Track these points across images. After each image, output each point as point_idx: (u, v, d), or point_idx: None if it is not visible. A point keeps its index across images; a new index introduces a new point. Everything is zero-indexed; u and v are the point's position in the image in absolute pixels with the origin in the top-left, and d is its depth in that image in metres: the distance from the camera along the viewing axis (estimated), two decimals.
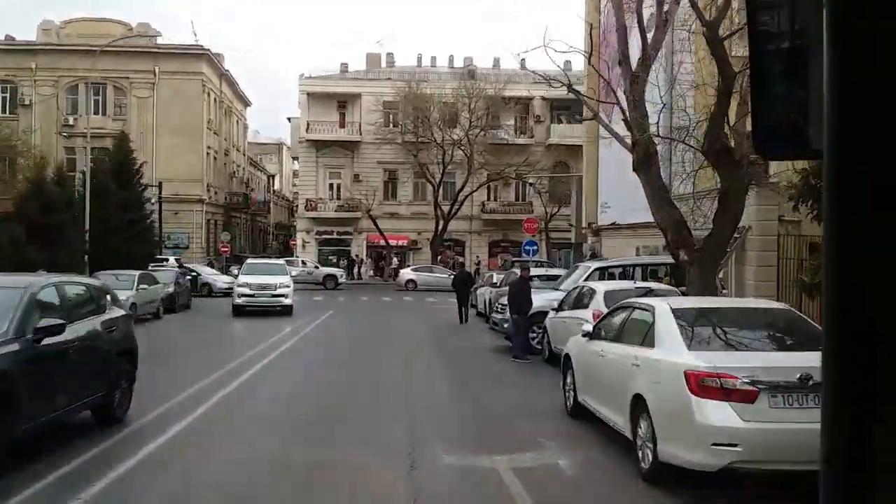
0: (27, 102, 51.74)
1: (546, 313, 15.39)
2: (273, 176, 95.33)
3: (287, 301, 25.62)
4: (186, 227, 53.32)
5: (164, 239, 52.81)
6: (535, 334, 16.30)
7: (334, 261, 52.83)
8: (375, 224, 50.76)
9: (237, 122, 68.17)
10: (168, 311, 24.96)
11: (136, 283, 21.53)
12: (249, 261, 32.84)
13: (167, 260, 41.29)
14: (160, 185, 49.47)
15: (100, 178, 30.47)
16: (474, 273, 48.56)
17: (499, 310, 19.15)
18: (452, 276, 28.69)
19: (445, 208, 50.27)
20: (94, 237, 27.67)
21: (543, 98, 54.44)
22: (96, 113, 53.15)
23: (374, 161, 54.23)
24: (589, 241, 31.26)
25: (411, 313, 28.20)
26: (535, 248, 32.61)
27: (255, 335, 19.72)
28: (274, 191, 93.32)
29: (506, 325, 17.71)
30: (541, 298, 16.41)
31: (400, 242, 53.88)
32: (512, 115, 53.06)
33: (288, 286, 25.92)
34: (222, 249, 53.82)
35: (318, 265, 45.25)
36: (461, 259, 54.03)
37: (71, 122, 52.17)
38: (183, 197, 52.69)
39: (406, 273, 44.92)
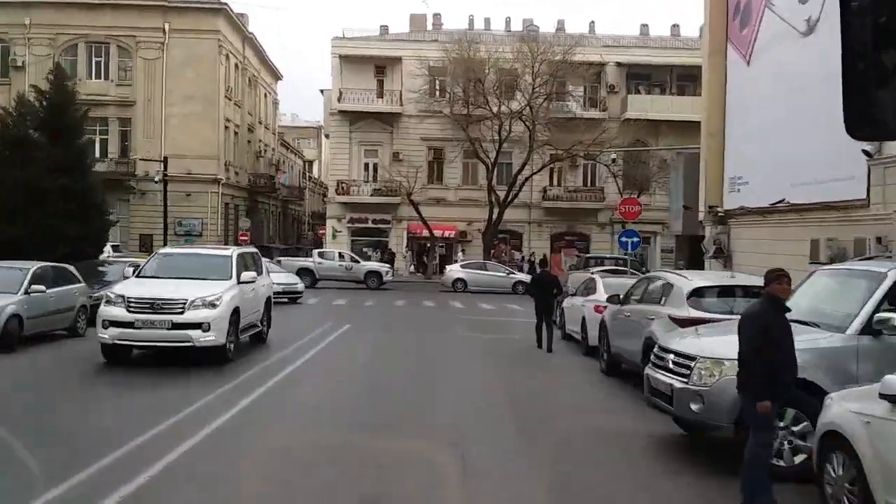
0: (20, 64, 44.27)
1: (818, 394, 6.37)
2: (311, 162, 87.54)
3: (208, 337, 12.17)
4: (200, 211, 45.47)
5: (175, 224, 45.32)
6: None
7: (369, 254, 44.54)
8: (417, 211, 42.28)
9: (265, 96, 60.22)
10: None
11: (23, 284, 13.18)
12: (163, 250, 16.81)
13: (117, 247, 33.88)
14: (165, 161, 41.63)
15: (19, 126, 21.82)
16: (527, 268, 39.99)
17: (668, 365, 7.87)
18: (531, 279, 19.78)
19: (500, 194, 41.60)
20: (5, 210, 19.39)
21: (619, 64, 45.49)
22: (97, 77, 45.78)
23: (416, 137, 45.71)
24: (708, 231, 22.30)
25: (462, 330, 19.54)
26: (637, 240, 23.71)
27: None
28: (311, 177, 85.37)
29: (693, 407, 7.25)
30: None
31: (446, 233, 45.34)
32: (581, 83, 44.05)
33: (215, 303, 12.39)
34: (241, 238, 45.83)
35: (357, 259, 36.85)
36: (519, 254, 45.39)
37: (69, 87, 44.53)
38: (196, 176, 44.92)
39: (454, 270, 36.38)
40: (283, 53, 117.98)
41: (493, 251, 42.50)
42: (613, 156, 38.91)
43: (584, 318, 15.92)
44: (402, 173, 42.04)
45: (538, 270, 26.30)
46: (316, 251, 35.93)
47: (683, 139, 41.27)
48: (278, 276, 23.68)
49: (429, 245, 44.22)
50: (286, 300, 24.85)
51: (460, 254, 45.55)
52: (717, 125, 22.57)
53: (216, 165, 45.69)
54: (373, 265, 36.78)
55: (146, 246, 44.22)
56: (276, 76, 63.94)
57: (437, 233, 44.33)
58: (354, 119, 45.76)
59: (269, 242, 58.96)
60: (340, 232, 45.79)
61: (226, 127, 47.65)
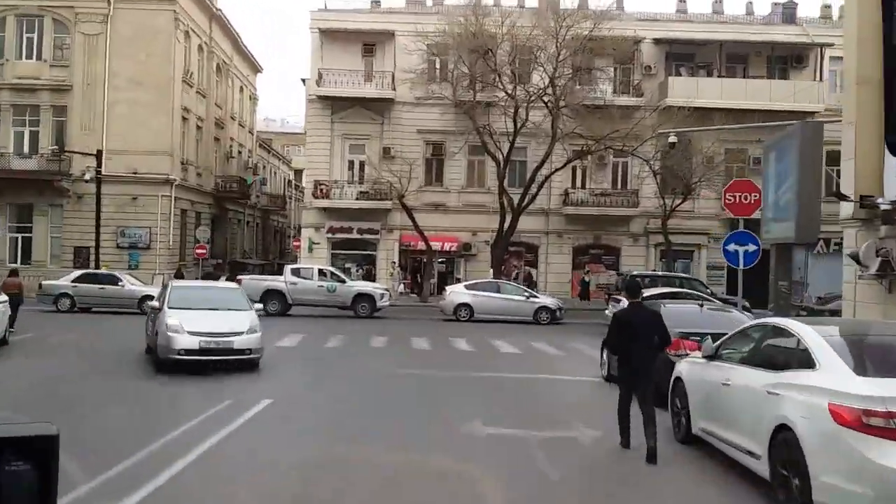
0: None
1: None
2: (301, 171, 79.03)
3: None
4: (149, 218, 37.15)
5: (117, 234, 36.99)
6: None
7: (354, 270, 36.16)
8: (412, 217, 33.99)
9: (241, 89, 52.05)
10: None
11: None
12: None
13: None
14: (99, 155, 33.61)
15: None
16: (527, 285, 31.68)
17: None
18: (614, 318, 9.70)
19: (513, 198, 33.27)
20: None
21: (656, 41, 37.31)
22: (29, 57, 37.57)
23: (411, 129, 37.45)
24: (856, 237, 13.96)
25: (475, 416, 10.02)
26: (756, 248, 15.10)
27: None
28: (298, 186, 76.91)
29: None
30: None
31: (447, 245, 37.01)
32: (611, 64, 35.80)
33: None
34: (197, 251, 37.61)
35: (342, 277, 28.33)
36: (516, 270, 37.07)
37: None
38: (144, 177, 36.70)
39: (457, 292, 27.50)
40: (273, 52, 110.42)
41: (503, 267, 34.14)
42: (672, 139, 29.75)
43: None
44: (394, 173, 33.71)
45: (618, 300, 17.82)
46: (288, 267, 27.23)
47: (739, 131, 33.03)
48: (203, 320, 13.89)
49: (425, 260, 35.85)
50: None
51: (462, 271, 37.20)
52: (873, 69, 14.19)
53: (169, 163, 37.36)
54: (364, 286, 27.97)
55: (82, 261, 35.94)
56: (255, 68, 55.82)
57: (436, 245, 36.03)
58: (337, 107, 37.45)
59: (244, 257, 50.69)
60: (318, 244, 37.40)
61: (184, 118, 39.40)
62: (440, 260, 37.57)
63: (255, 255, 54.25)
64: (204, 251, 37.43)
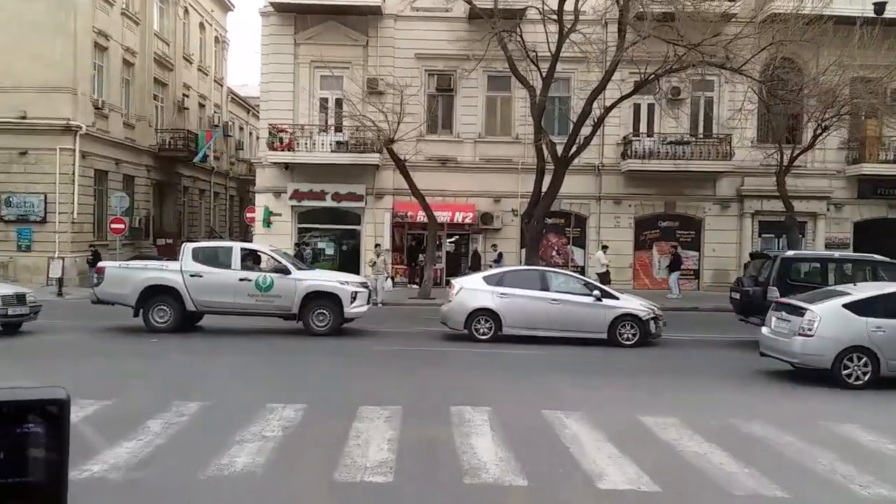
0: None
1: None
2: None
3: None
4: (44, 180, 26.09)
5: (1, 202, 26.09)
6: None
7: (324, 250, 25.07)
8: (405, 172, 22.78)
9: (202, 26, 40.64)
10: None
11: None
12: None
13: None
14: None
15: None
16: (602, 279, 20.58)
17: None
18: None
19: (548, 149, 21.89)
20: None
21: None
22: None
23: (408, 53, 26.07)
24: None
25: None
26: None
27: None
28: None
29: None
30: None
31: (459, 216, 25.77)
32: None
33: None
34: (113, 225, 26.45)
35: (285, 265, 15.36)
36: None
37: None
38: (35, 123, 25.65)
39: (471, 289, 14.90)
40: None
41: (537, 248, 22.74)
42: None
43: None
44: (384, 114, 22.38)
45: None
46: (189, 246, 15.51)
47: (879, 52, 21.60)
48: None
49: (427, 238, 24.61)
50: None
51: (481, 252, 25.99)
52: None
53: (71, 104, 26.21)
54: (322, 279, 15.46)
55: None
56: (225, 5, 44.42)
57: (443, 216, 24.86)
58: (304, 21, 26.07)
59: (211, 235, 39.69)
60: (279, 215, 26.20)
61: (99, 46, 28.19)
62: (449, 239, 26.36)
63: (230, 235, 43.22)
64: (121, 226, 26.31)
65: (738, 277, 17.66)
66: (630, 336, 14.26)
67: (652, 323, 14.37)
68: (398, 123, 22.11)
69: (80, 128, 26.28)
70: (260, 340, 14.60)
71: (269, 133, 25.39)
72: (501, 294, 14.49)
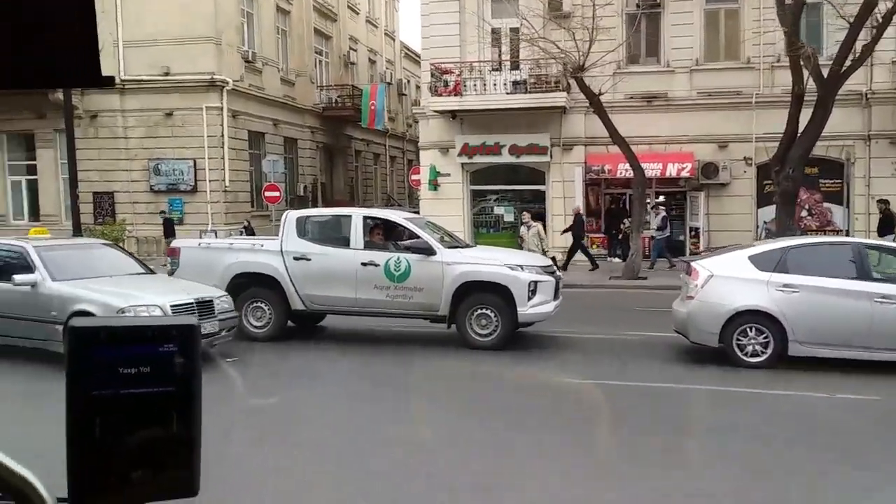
0: None
1: None
2: None
3: None
4: (191, 145, 22.76)
5: (150, 170, 23.18)
6: None
7: (502, 216, 19.77)
8: (602, 113, 16.76)
9: None
10: None
11: None
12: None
13: None
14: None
15: None
16: None
17: None
18: None
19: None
20: None
21: None
22: None
23: None
24: None
25: None
26: None
27: None
28: None
29: None
30: None
31: (672, 169, 19.38)
32: None
33: None
34: (267, 192, 22.68)
35: (427, 243, 9.85)
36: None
37: None
38: (179, 79, 22.34)
39: (733, 274, 8.56)
40: None
41: (792, 210, 15.91)
42: None
43: None
44: (572, 32, 16.55)
45: None
46: (292, 215, 9.93)
47: None
48: None
49: (630, 198, 18.48)
50: None
51: (700, 216, 19.58)
52: None
53: (214, 56, 22.56)
54: (492, 264, 9.61)
55: (104, 213, 22.73)
56: None
57: (652, 168, 18.63)
58: None
59: (388, 204, 35.62)
60: (447, 175, 21.11)
61: None
62: (658, 198, 20.07)
63: (409, 202, 39.13)
64: (276, 194, 22.44)
65: None
66: None
67: None
68: (590, 43, 16.15)
69: (227, 83, 22.59)
70: (382, 356, 9.54)
71: (432, 75, 20.27)
72: (784, 286, 8.31)
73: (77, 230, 18.16)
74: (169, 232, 20.69)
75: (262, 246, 10.26)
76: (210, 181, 22.78)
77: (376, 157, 37.05)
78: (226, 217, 23.09)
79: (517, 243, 16.96)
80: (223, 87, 22.56)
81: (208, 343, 8.45)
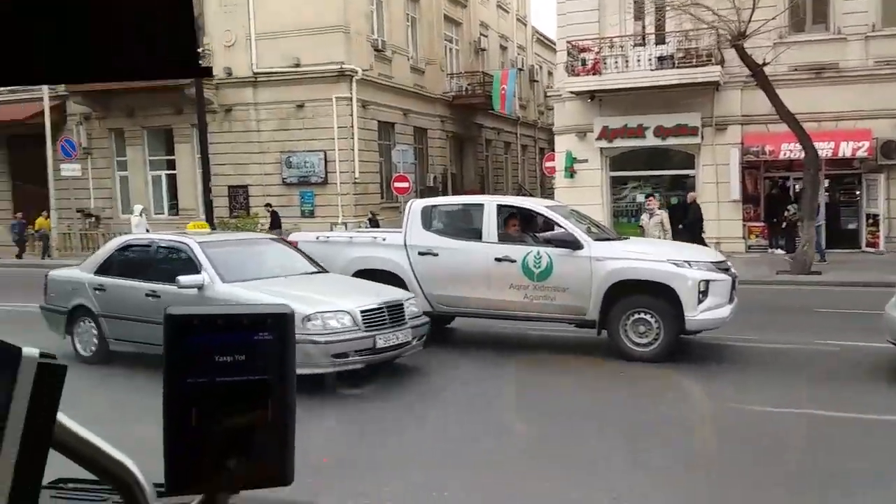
0: None
1: None
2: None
3: None
4: (322, 136, 22.31)
5: (283, 162, 22.95)
6: None
7: (643, 205, 17.90)
8: (767, 86, 14.61)
9: None
10: None
11: None
12: None
13: None
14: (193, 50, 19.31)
15: None
16: None
17: None
18: None
19: None
20: None
21: None
22: None
23: None
24: None
25: None
26: None
27: None
28: None
29: None
30: None
31: (846, 148, 16.92)
32: None
33: None
34: (395, 186, 21.90)
35: (597, 227, 9.27)
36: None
37: None
38: (309, 70, 21.89)
39: None
40: None
41: None
42: None
43: None
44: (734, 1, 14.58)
45: None
46: (417, 205, 9.08)
47: None
48: None
49: (801, 181, 16.20)
50: None
51: (881, 200, 17.02)
52: None
53: (343, 45, 21.93)
54: (651, 260, 8.09)
55: (240, 206, 22.75)
56: None
57: (823, 147, 16.25)
58: None
59: (519, 191, 34.46)
60: (584, 161, 19.49)
61: None
62: (828, 177, 17.58)
63: (541, 192, 37.61)
64: (406, 185, 21.61)
65: None
66: None
67: None
68: (753, 9, 14.09)
69: (356, 72, 21.94)
70: (519, 369, 8.20)
71: (568, 54, 18.72)
72: None
73: (211, 224, 17.98)
74: (275, 223, 20.27)
75: (384, 240, 9.18)
76: (340, 173, 22.26)
77: (507, 146, 35.75)
78: (355, 209, 22.50)
79: (637, 233, 15.11)
80: (352, 76, 21.93)
81: (396, 355, 7.29)
